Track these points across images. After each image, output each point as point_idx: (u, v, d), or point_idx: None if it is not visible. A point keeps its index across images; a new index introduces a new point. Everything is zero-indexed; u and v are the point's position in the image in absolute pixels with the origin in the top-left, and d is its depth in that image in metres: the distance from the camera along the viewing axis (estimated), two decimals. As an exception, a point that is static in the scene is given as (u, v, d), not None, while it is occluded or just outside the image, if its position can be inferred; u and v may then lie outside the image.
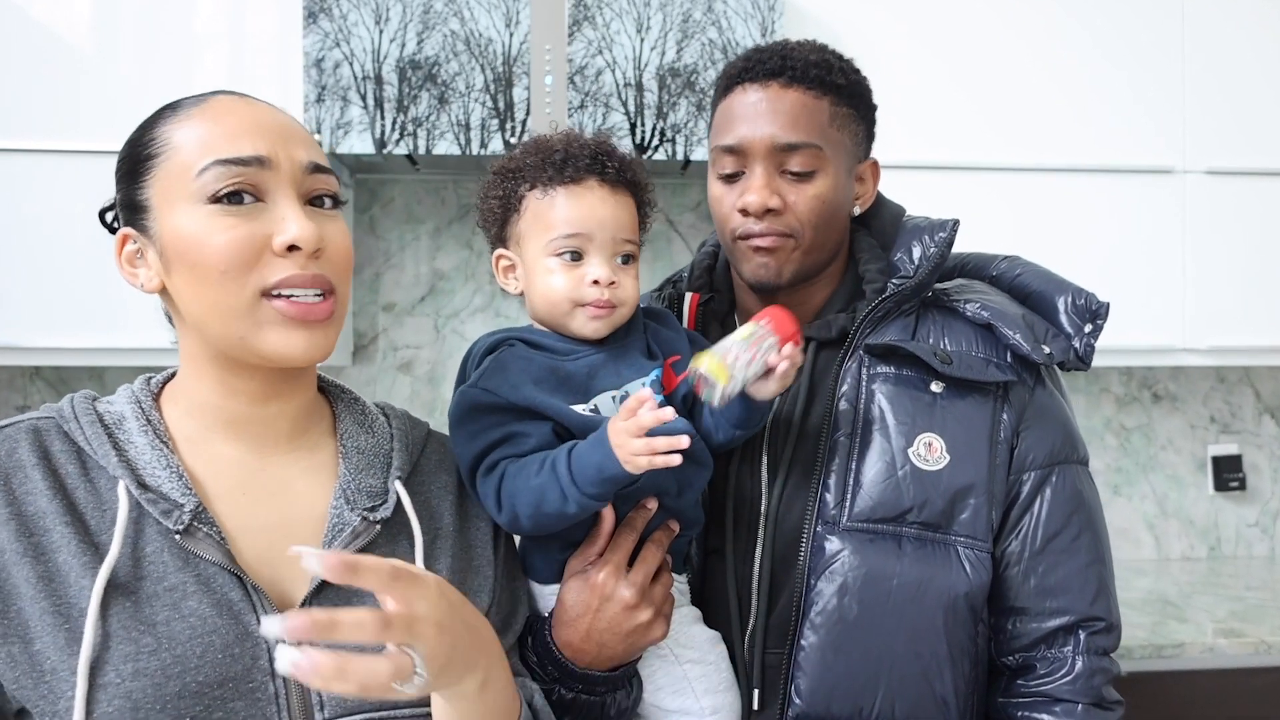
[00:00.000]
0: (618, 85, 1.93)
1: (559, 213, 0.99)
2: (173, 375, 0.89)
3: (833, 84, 1.08)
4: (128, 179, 0.82)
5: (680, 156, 1.94)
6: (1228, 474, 2.48)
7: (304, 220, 0.80)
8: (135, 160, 0.82)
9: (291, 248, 0.79)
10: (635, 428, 0.86)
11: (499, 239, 1.05)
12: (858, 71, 1.13)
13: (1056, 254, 1.99)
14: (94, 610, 0.73)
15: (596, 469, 0.89)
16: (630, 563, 1.00)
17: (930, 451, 1.06)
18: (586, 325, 0.99)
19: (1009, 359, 1.09)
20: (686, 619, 1.07)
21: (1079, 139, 2.11)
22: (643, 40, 1.93)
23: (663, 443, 0.86)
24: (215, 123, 0.80)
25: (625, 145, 1.93)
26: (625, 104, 1.93)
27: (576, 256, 0.99)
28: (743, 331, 0.95)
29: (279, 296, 0.79)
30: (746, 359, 0.93)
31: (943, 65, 2.10)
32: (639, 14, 1.93)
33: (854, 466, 1.06)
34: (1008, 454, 1.08)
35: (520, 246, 1.02)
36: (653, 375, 0.99)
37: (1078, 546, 1.08)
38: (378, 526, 0.86)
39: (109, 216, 0.88)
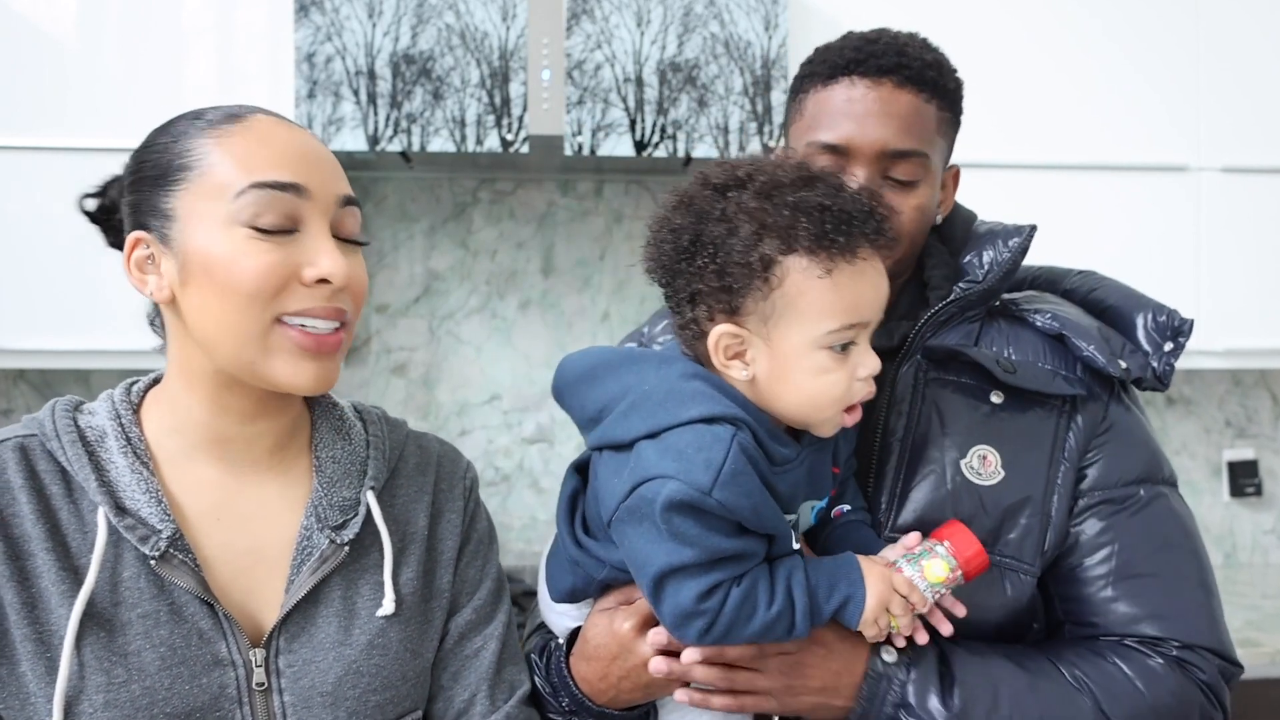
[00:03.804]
0: (617, 80, 1.89)
1: (843, 297, 0.82)
2: (156, 380, 0.89)
3: (944, 88, 1.01)
4: (153, 184, 0.81)
5: (681, 154, 1.90)
6: (1243, 479, 2.44)
7: (337, 255, 0.81)
8: (165, 167, 0.81)
9: (320, 281, 0.80)
10: (902, 608, 0.86)
11: (730, 309, 0.84)
12: (957, 72, 1.06)
13: (1068, 253, 1.95)
14: (69, 643, 0.75)
15: (837, 606, 0.86)
16: None
17: (984, 465, 0.99)
18: (835, 427, 0.88)
19: (1079, 372, 1.02)
20: None
21: (1091, 136, 2.08)
22: (643, 34, 1.89)
23: (900, 641, 0.89)
24: (259, 144, 0.81)
25: (625, 143, 1.89)
26: (625, 100, 1.89)
27: (846, 347, 0.85)
28: (936, 572, 0.88)
29: (293, 325, 0.80)
30: (934, 592, 0.89)
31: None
32: (639, 7, 1.89)
33: (903, 476, 1.00)
34: (1073, 473, 1.00)
35: (768, 327, 0.84)
36: (822, 504, 0.93)
37: (1174, 571, 0.98)
38: (345, 549, 0.86)
39: (90, 205, 0.87)
